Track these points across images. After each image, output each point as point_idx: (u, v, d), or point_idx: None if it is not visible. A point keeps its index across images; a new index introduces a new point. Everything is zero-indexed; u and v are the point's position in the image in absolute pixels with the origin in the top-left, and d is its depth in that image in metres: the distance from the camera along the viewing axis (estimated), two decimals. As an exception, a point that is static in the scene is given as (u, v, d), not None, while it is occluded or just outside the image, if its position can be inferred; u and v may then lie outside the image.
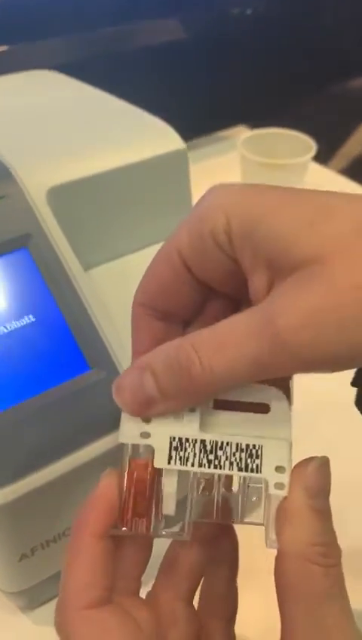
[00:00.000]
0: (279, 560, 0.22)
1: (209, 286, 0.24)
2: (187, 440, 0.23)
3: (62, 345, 0.32)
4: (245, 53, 0.86)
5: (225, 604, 0.26)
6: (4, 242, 0.32)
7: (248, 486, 0.24)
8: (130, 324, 0.35)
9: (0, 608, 0.37)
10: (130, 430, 0.23)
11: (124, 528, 0.23)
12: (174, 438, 0.23)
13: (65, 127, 0.40)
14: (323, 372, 0.20)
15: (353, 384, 0.24)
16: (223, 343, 0.21)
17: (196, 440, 0.23)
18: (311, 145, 0.69)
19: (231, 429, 0.23)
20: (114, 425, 0.32)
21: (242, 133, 0.89)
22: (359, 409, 0.25)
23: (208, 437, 0.23)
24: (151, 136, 0.39)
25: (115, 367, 0.33)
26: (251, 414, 0.23)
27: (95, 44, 0.70)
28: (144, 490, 0.23)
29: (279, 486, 0.22)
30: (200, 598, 0.26)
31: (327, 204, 0.20)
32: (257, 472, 0.23)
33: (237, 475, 0.23)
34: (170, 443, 0.23)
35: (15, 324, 0.32)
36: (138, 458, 0.23)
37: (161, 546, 0.26)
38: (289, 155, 0.68)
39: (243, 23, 0.77)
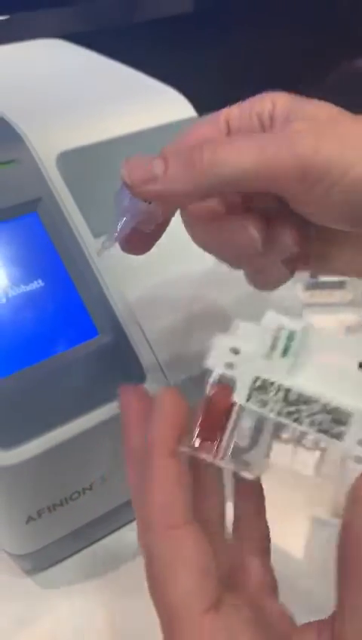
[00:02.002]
0: (343, 534, 0.21)
1: None
2: (271, 383, 0.22)
3: (72, 310, 0.32)
4: (255, 27, 0.85)
5: (257, 538, 0.26)
6: (14, 206, 0.32)
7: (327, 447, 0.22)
8: (138, 289, 0.35)
9: (5, 571, 0.37)
10: (217, 358, 0.22)
11: (196, 445, 0.22)
12: (258, 378, 0.22)
13: (76, 94, 0.40)
14: (313, 193, 0.23)
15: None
16: (237, 138, 0.25)
17: (281, 386, 0.21)
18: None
19: (324, 386, 0.21)
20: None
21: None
22: None
23: (295, 387, 0.21)
24: (162, 104, 0.38)
25: (124, 333, 0.33)
26: (352, 372, 0.21)
27: (102, 15, 0.69)
28: (219, 416, 0.22)
29: (359, 460, 0.21)
30: (233, 537, 0.26)
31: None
32: (338, 439, 0.21)
33: (314, 435, 0.21)
34: (254, 382, 0.22)
35: (24, 289, 0.32)
36: (219, 385, 0.22)
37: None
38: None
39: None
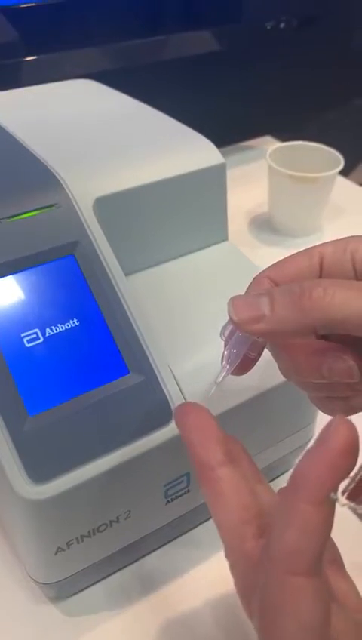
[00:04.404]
0: None
1: None
2: None
3: (104, 348, 0.34)
4: (274, 65, 0.88)
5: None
6: (52, 249, 0.34)
7: None
8: (166, 329, 0.37)
9: (30, 598, 0.38)
10: None
11: (345, 499, 0.21)
12: None
13: (111, 138, 0.41)
14: None
15: None
16: (351, 282, 0.24)
17: None
18: (338, 158, 0.70)
19: None
20: (149, 428, 0.33)
21: (268, 144, 0.91)
22: None
23: None
24: (193, 151, 0.40)
25: (153, 371, 0.34)
26: None
27: (126, 55, 0.72)
28: None
29: None
30: None
31: None
32: None
33: None
34: None
35: (61, 328, 0.33)
36: None
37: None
38: (316, 168, 0.69)
39: (275, 37, 0.78)
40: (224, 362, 0.29)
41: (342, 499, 0.21)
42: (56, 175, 0.36)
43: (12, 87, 0.52)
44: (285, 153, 0.72)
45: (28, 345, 0.32)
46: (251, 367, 0.30)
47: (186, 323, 0.38)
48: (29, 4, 0.62)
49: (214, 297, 0.39)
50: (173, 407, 0.34)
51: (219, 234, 0.43)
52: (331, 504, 0.21)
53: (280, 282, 0.28)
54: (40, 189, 0.35)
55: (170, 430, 0.33)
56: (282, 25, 0.75)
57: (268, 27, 0.74)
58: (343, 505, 0.21)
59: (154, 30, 0.71)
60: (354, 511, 0.22)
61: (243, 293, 0.41)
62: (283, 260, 0.29)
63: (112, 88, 0.52)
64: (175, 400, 0.34)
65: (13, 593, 0.39)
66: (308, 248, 0.29)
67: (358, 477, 0.21)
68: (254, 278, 0.30)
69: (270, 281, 0.29)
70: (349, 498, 0.21)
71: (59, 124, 0.43)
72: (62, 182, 0.36)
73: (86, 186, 0.36)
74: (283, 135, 0.91)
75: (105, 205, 0.36)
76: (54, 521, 0.32)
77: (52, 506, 0.31)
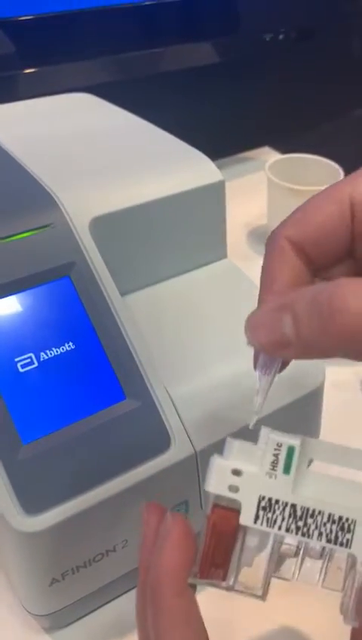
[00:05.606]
0: (356, 634, 0.22)
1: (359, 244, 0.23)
2: (277, 502, 0.22)
3: (100, 373, 0.33)
4: (272, 76, 0.88)
5: None
6: (48, 270, 0.33)
7: (333, 555, 0.22)
8: (164, 352, 0.36)
9: (25, 628, 0.37)
10: (218, 481, 0.22)
11: (200, 579, 0.22)
12: (263, 498, 0.22)
13: (108, 156, 0.41)
14: None
15: None
16: None
17: (287, 503, 0.22)
18: (337, 170, 0.69)
19: (326, 496, 0.22)
20: (147, 455, 0.32)
21: (267, 155, 0.90)
22: None
23: (300, 502, 0.22)
24: (191, 169, 0.39)
25: (151, 397, 0.33)
26: (350, 482, 0.22)
27: (124, 67, 0.71)
28: (225, 542, 0.22)
29: None
30: None
31: None
32: (346, 546, 0.21)
33: (324, 546, 0.22)
34: (259, 502, 0.22)
35: (56, 351, 0.32)
36: (223, 508, 0.22)
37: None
38: (315, 180, 0.68)
39: (274, 48, 0.78)
40: (258, 386, 0.24)
41: (198, 580, 0.22)
42: (52, 194, 0.35)
43: (9, 100, 0.52)
44: (284, 165, 0.71)
45: (22, 370, 0.32)
46: (288, 365, 0.25)
47: (184, 345, 0.37)
48: (27, 17, 0.62)
49: (213, 318, 0.39)
50: (171, 434, 0.33)
51: (218, 251, 0.43)
52: (191, 589, 0.22)
53: (305, 244, 0.23)
54: (35, 208, 0.35)
55: (168, 457, 0.32)
56: (281, 37, 0.74)
57: (267, 39, 0.74)
58: (202, 584, 0.22)
59: (152, 42, 0.70)
60: (213, 586, 0.22)
61: (242, 313, 0.40)
62: (304, 207, 0.23)
63: (110, 101, 0.52)
64: (173, 426, 0.33)
65: (8, 622, 0.38)
66: (332, 189, 0.23)
67: (200, 559, 0.22)
68: (270, 239, 0.24)
69: (291, 246, 0.23)
70: (202, 577, 0.22)
71: (55, 141, 0.42)
72: (57, 201, 0.35)
73: (82, 205, 0.35)
74: (281, 146, 0.91)
75: (102, 225, 0.36)
76: (48, 553, 0.31)
77: (46, 538, 0.30)
